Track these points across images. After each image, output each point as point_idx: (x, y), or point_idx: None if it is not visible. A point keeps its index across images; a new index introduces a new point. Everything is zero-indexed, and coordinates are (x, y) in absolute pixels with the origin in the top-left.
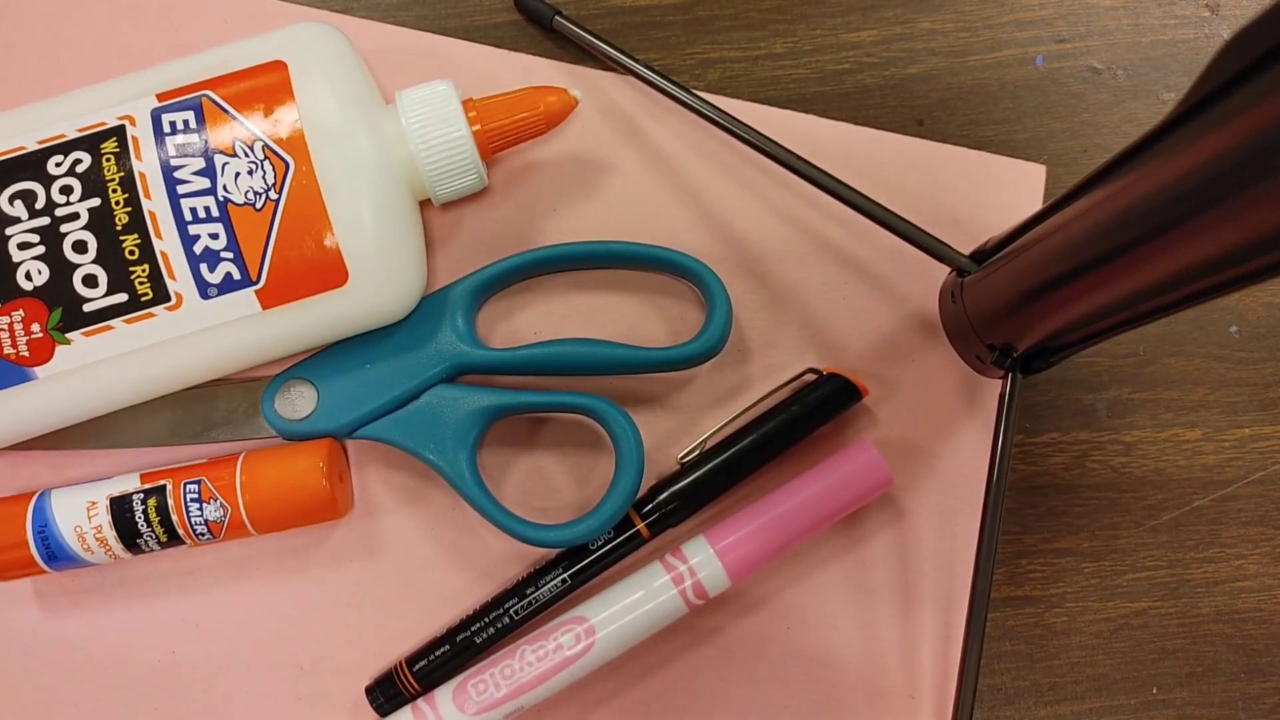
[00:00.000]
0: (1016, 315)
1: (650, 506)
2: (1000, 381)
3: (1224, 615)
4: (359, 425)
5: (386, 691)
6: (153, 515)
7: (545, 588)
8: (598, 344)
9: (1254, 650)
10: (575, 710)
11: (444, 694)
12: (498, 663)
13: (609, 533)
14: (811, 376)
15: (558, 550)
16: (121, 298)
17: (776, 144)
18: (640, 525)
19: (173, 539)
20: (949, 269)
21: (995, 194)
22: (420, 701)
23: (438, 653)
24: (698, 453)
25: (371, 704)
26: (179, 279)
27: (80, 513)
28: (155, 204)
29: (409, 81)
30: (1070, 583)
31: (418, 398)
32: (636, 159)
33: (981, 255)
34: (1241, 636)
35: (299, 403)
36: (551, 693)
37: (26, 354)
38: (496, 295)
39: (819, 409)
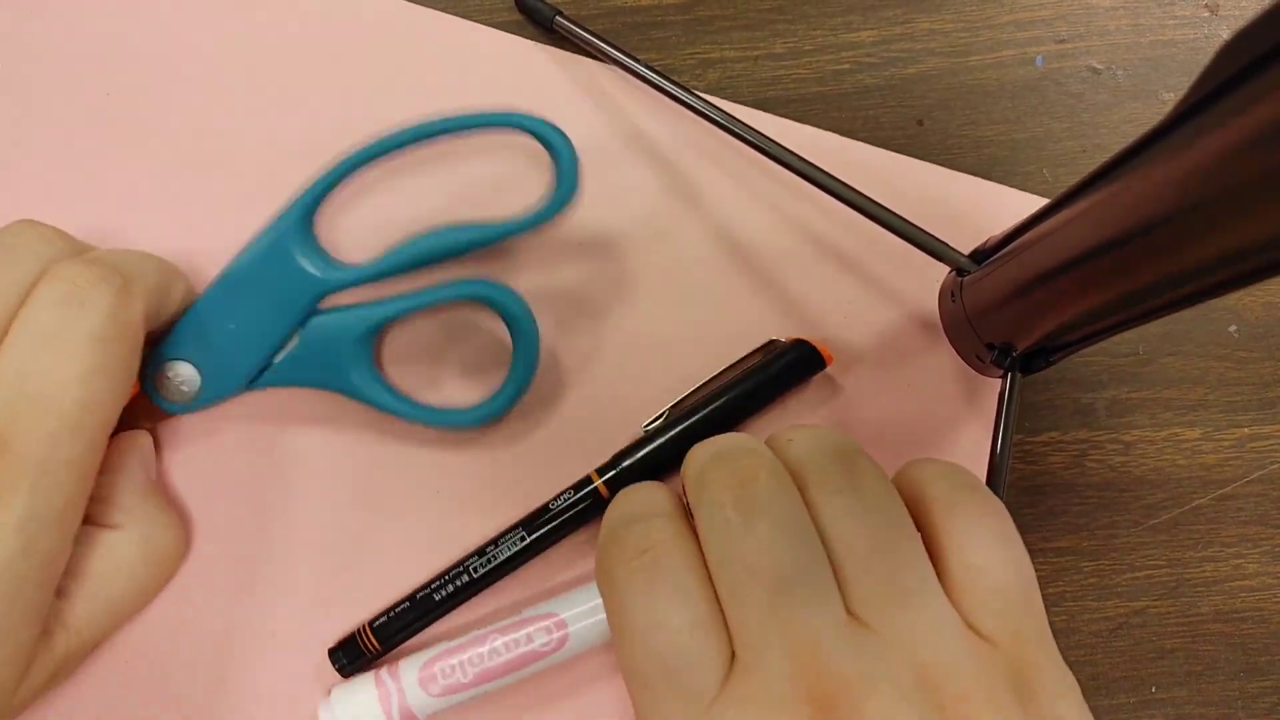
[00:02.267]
0: (1016, 314)
1: (613, 473)
2: (1000, 381)
3: (1223, 614)
4: (253, 380)
5: (350, 653)
6: None
7: (503, 545)
8: (453, 229)
9: (1253, 649)
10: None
11: (409, 672)
12: (467, 649)
13: (569, 492)
14: (784, 341)
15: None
16: None
17: (777, 144)
18: (599, 483)
19: None
20: (948, 268)
21: (971, 216)
22: (385, 675)
23: (397, 610)
24: (662, 420)
25: (334, 665)
26: None
27: None
28: None
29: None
30: (1069, 582)
31: (296, 334)
32: (636, 158)
33: (981, 254)
34: (1240, 635)
35: (183, 382)
36: (517, 681)
37: None
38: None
39: (783, 375)
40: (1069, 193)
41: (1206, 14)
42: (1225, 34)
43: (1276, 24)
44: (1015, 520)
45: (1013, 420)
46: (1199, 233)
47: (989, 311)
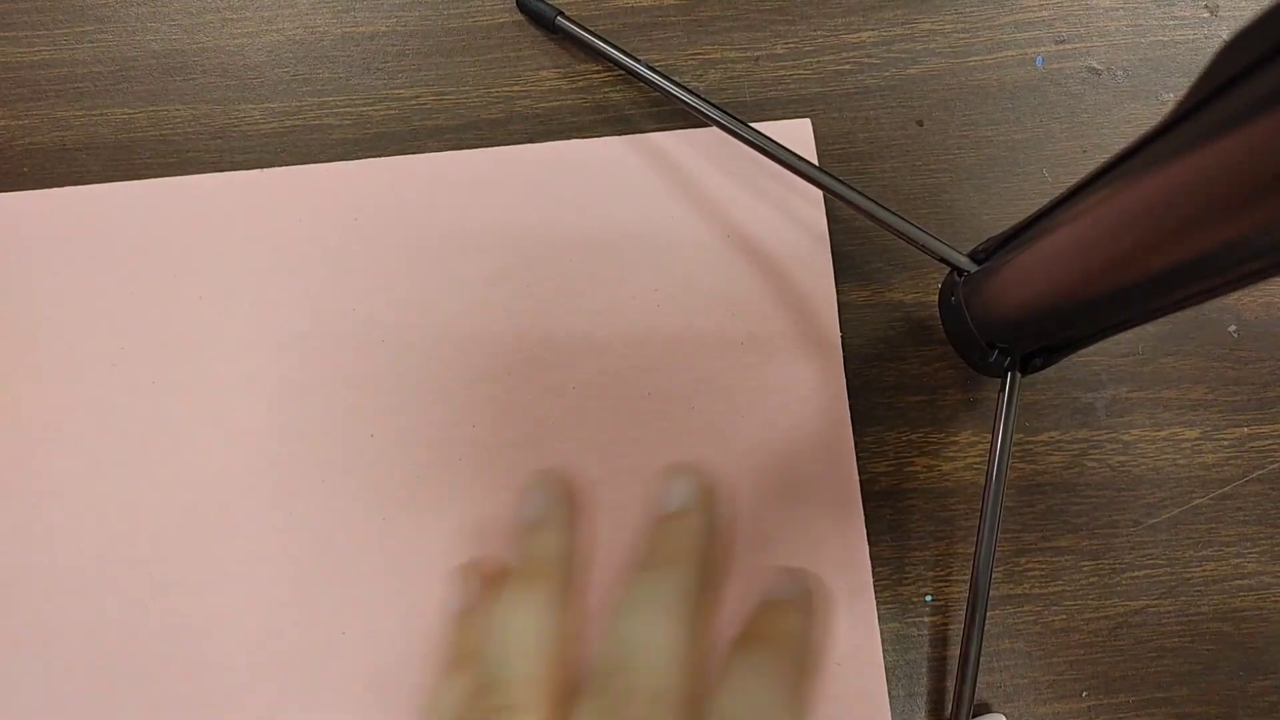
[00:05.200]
0: (1015, 314)
1: None
2: (999, 380)
3: (1223, 613)
4: None
5: None
6: None
7: None
8: None
9: (1253, 648)
10: None
11: None
12: None
13: None
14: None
15: None
16: None
17: (777, 144)
18: None
19: None
20: (948, 268)
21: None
22: None
23: None
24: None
25: None
26: None
27: None
28: None
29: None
30: (1069, 581)
31: None
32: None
33: (980, 254)
34: (1240, 635)
35: None
36: None
37: None
38: None
39: None
40: (1068, 193)
41: (1206, 14)
42: (1225, 34)
43: (1276, 24)
44: (1017, 520)
45: (1012, 420)
46: (1198, 232)
47: (988, 311)
